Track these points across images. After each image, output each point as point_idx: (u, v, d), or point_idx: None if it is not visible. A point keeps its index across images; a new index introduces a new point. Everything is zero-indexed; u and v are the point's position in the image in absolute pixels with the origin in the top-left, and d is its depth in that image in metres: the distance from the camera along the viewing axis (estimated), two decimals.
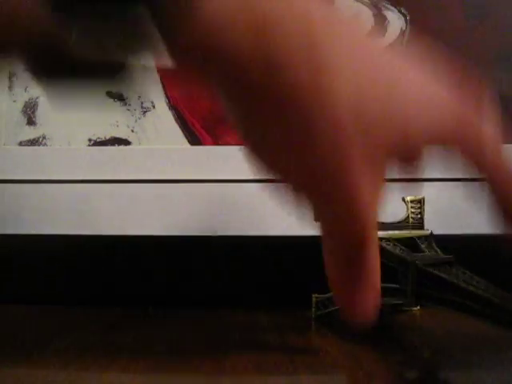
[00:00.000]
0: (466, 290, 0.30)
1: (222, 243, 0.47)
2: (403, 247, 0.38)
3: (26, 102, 0.51)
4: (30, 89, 0.51)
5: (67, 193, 0.49)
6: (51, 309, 0.45)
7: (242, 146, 0.21)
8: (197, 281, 0.48)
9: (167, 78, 0.51)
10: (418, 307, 0.41)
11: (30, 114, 0.51)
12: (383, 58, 0.21)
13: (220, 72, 0.19)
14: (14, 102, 0.51)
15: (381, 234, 0.38)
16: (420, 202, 0.41)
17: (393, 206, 0.48)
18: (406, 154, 0.21)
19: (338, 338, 0.30)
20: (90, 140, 0.50)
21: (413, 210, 0.41)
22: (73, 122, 0.51)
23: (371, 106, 0.19)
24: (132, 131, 0.50)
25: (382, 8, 0.51)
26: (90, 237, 0.48)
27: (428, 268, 0.33)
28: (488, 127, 0.22)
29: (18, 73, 0.52)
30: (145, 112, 0.50)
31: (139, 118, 0.50)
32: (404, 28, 0.51)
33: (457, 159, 0.22)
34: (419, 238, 0.40)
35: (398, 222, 0.41)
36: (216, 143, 0.50)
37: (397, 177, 0.22)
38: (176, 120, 0.50)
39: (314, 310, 0.40)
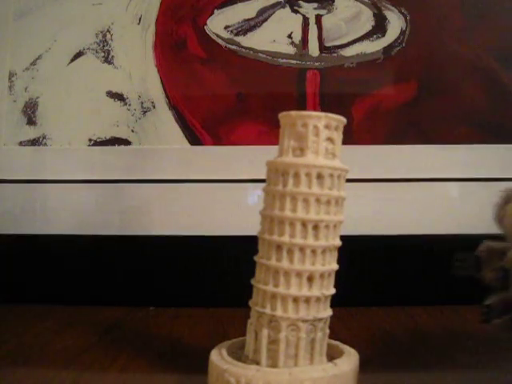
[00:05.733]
0: None
1: (222, 243, 0.47)
2: None
3: (26, 102, 0.51)
4: (30, 89, 0.51)
5: (67, 193, 0.49)
6: (51, 309, 0.45)
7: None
8: (197, 281, 0.48)
9: (167, 78, 0.51)
10: None
11: (30, 113, 0.51)
12: None
13: None
14: (14, 101, 0.51)
15: None
16: None
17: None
18: None
19: (338, 337, 0.30)
20: (90, 140, 0.50)
21: None
22: (73, 121, 0.51)
23: None
24: (132, 131, 0.50)
25: (382, 8, 0.51)
26: (90, 237, 0.48)
27: None
28: None
29: (18, 73, 0.52)
30: (145, 112, 0.50)
31: (139, 118, 0.50)
32: (404, 28, 0.51)
33: None
34: None
35: None
36: (216, 143, 0.50)
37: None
38: (176, 120, 0.50)
39: None
